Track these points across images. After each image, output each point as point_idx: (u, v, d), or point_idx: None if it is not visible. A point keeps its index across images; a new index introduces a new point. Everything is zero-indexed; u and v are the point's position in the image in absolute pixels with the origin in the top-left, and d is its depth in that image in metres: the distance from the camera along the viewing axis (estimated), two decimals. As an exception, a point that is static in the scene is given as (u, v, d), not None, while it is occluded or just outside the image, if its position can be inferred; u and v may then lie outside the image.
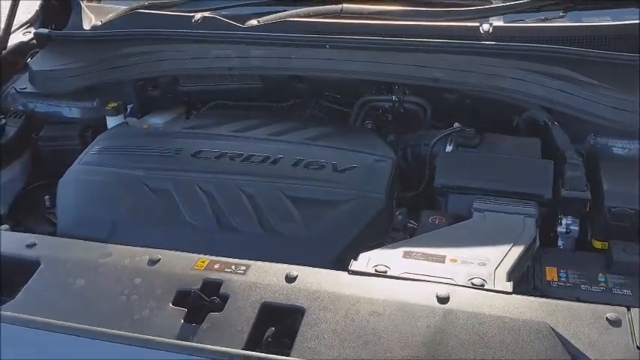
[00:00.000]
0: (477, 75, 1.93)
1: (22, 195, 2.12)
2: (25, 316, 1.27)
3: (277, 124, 1.99)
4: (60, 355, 1.22)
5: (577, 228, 1.69)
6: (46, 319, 1.25)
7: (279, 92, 2.25)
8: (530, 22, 2.09)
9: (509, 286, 1.34)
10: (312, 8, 2.19)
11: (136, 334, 1.22)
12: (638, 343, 1.17)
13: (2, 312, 1.28)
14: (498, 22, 2.08)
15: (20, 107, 2.29)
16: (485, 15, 2.11)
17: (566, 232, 1.69)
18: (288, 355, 1.19)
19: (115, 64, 2.23)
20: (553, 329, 1.20)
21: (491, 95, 1.93)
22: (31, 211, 2.05)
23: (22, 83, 2.31)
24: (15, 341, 1.25)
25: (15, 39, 2.48)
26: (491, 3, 2.18)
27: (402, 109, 2.11)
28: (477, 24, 2.05)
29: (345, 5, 2.17)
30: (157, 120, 2.21)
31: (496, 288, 1.33)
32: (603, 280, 1.54)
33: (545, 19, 2.11)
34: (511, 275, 1.39)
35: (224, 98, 2.28)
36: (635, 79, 1.84)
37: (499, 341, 1.19)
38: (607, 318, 1.23)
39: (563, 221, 1.69)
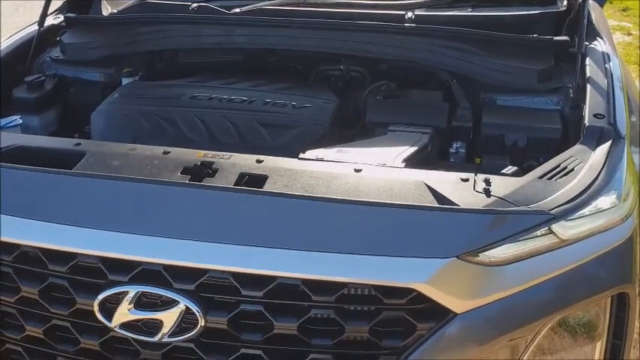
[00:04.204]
0: (398, 49, 2.64)
1: (54, 135, 2.77)
2: (87, 171, 1.95)
3: (253, 80, 2.68)
4: (111, 192, 1.88)
5: (464, 150, 2.40)
6: (99, 173, 1.93)
7: (255, 64, 2.94)
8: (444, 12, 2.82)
9: (402, 164, 2.04)
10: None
11: (159, 178, 1.90)
12: (475, 189, 1.86)
13: (74, 170, 1.95)
14: (420, 12, 2.79)
15: (53, 72, 2.95)
16: (410, 7, 2.82)
17: (456, 153, 2.40)
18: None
19: (128, 40, 2.91)
20: (425, 183, 1.89)
21: (410, 64, 2.64)
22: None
23: (55, 53, 2.98)
24: (77, 186, 1.92)
25: (48, 22, 3.14)
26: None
27: (348, 77, 2.82)
28: (404, 12, 2.76)
29: (307, -3, 2.88)
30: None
31: (393, 165, 2.03)
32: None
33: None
34: (406, 161, 2.09)
35: (213, 69, 2.96)
36: (514, 50, 2.56)
37: (389, 189, 1.87)
38: (460, 178, 1.92)
39: (454, 145, 2.40)
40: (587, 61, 2.51)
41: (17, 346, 1.95)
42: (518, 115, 2.41)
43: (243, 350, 1.76)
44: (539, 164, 2.09)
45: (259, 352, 1.76)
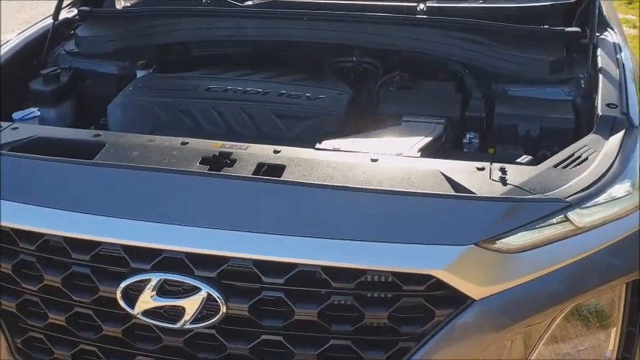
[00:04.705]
0: (410, 40, 2.66)
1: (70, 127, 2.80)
2: (107, 161, 1.98)
3: (267, 72, 2.71)
4: (133, 181, 1.92)
5: (477, 140, 2.42)
6: (120, 163, 1.96)
7: (267, 56, 2.96)
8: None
9: (417, 154, 2.06)
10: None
11: (179, 168, 1.93)
12: (491, 178, 1.89)
13: (94, 160, 1.99)
14: (432, 3, 2.81)
15: (68, 65, 2.98)
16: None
17: (469, 143, 2.42)
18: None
19: (141, 33, 2.93)
20: (442, 172, 1.92)
21: (422, 55, 2.67)
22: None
23: (70, 46, 3.01)
24: (99, 176, 1.95)
25: (62, 15, 3.17)
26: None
27: (360, 68, 2.84)
28: (416, 4, 2.78)
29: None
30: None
31: (409, 154, 2.06)
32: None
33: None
34: (422, 151, 2.11)
35: (224, 62, 2.98)
36: (525, 42, 2.58)
37: (407, 178, 1.90)
38: (476, 167, 1.95)
39: (467, 135, 2.42)
40: (599, 51, 2.53)
41: (40, 334, 1.99)
42: (531, 105, 2.44)
43: (263, 336, 1.79)
44: (553, 154, 2.12)
45: (280, 338, 1.79)
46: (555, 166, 1.95)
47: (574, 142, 2.12)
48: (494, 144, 2.40)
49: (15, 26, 7.32)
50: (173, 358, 1.87)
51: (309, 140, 2.22)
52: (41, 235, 1.89)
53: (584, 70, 2.49)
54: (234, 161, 2.00)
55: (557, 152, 2.10)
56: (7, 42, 2.93)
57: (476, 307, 1.73)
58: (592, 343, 1.99)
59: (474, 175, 1.91)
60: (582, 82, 2.48)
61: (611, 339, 1.98)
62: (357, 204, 1.81)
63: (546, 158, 2.08)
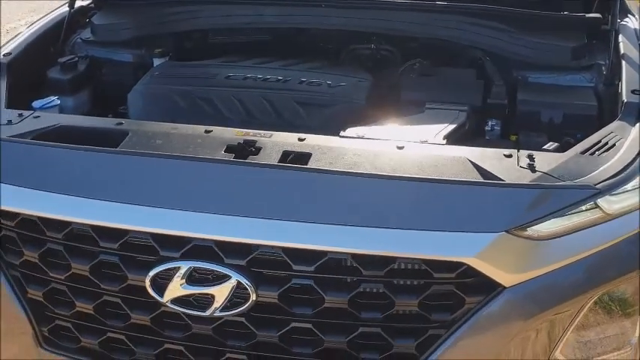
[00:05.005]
0: (430, 27, 2.65)
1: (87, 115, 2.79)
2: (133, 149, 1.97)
3: (286, 60, 2.70)
4: (161, 170, 1.91)
5: (499, 128, 2.42)
6: (146, 151, 1.95)
7: (285, 43, 2.95)
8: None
9: (443, 141, 2.06)
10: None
11: (206, 156, 1.92)
12: (519, 165, 1.88)
13: (119, 149, 1.99)
14: (451, -11, 2.81)
15: (84, 53, 2.96)
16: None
17: (491, 130, 2.41)
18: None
19: (158, 21, 2.92)
20: (469, 159, 1.91)
21: (441, 42, 2.66)
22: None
23: (86, 34, 2.99)
24: (126, 164, 1.95)
25: (77, 3, 3.16)
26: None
27: (378, 56, 2.83)
28: (435, -11, 2.78)
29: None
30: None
31: (435, 142, 2.05)
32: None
33: None
34: (447, 139, 2.11)
35: (241, 49, 2.97)
36: (546, 28, 2.57)
37: (434, 165, 1.90)
38: (503, 154, 1.94)
39: (489, 122, 2.41)
40: (620, 37, 2.52)
41: (67, 323, 1.99)
42: (553, 92, 2.43)
43: (293, 324, 1.79)
44: (576, 141, 2.11)
45: (309, 325, 1.79)
46: (582, 152, 1.95)
47: (597, 129, 2.12)
48: (516, 131, 2.39)
49: (22, 15, 7.31)
50: (202, 345, 1.87)
51: (331, 128, 2.21)
52: (68, 223, 1.89)
53: (605, 57, 2.48)
54: (259, 149, 1.99)
55: (580, 139, 2.09)
56: (22, 31, 2.92)
57: (506, 294, 1.73)
58: (615, 330, 1.99)
59: (502, 162, 1.91)
60: (604, 68, 2.47)
61: (638, 326, 1.98)
62: (386, 192, 1.80)
63: (571, 145, 2.07)
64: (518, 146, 2.22)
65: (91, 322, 1.96)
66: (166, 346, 1.90)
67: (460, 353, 1.76)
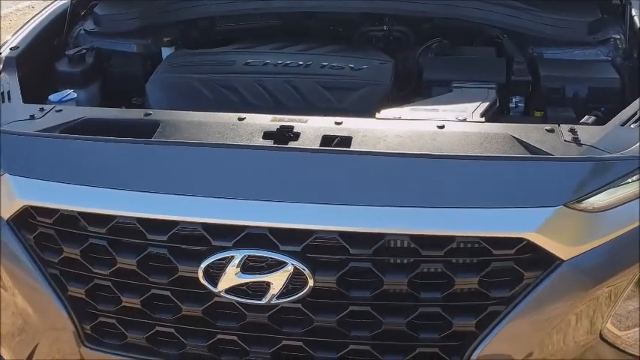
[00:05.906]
0: (446, 7, 2.64)
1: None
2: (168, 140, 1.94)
3: (303, 44, 2.67)
4: (205, 159, 1.87)
5: (522, 104, 2.43)
6: (179, 140, 1.92)
7: (293, 29, 2.92)
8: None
9: (482, 119, 2.06)
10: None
11: (248, 143, 1.89)
12: (564, 139, 1.89)
13: (153, 139, 1.95)
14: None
15: (89, 45, 2.89)
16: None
17: (515, 107, 2.42)
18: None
19: (163, 9, 2.87)
20: (512, 136, 1.92)
21: (456, 22, 2.65)
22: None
23: (90, 25, 2.92)
24: (168, 155, 1.91)
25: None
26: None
27: (391, 37, 2.82)
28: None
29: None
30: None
31: (474, 120, 2.05)
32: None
33: None
34: (483, 115, 2.11)
35: (251, 35, 2.93)
36: (561, 4, 2.58)
37: (479, 143, 1.89)
38: (545, 129, 1.95)
39: (513, 99, 2.42)
40: (634, 11, 2.55)
41: (111, 319, 1.95)
42: (575, 67, 2.45)
43: (351, 308, 1.78)
44: (603, 114, 2.13)
45: (367, 308, 1.78)
46: (622, 124, 1.96)
47: (620, 102, 2.14)
48: (539, 107, 2.41)
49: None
50: (257, 334, 1.84)
51: (359, 111, 2.20)
52: (112, 217, 1.84)
53: (618, 31, 2.51)
54: (297, 135, 1.96)
55: (604, 113, 2.11)
56: (24, 25, 2.84)
57: (564, 267, 1.74)
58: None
59: (546, 137, 1.91)
60: (619, 42, 2.50)
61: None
62: (440, 171, 1.79)
63: (601, 119, 2.09)
64: (546, 122, 2.24)
65: (139, 316, 1.92)
66: (219, 336, 1.87)
67: (520, 329, 1.77)
